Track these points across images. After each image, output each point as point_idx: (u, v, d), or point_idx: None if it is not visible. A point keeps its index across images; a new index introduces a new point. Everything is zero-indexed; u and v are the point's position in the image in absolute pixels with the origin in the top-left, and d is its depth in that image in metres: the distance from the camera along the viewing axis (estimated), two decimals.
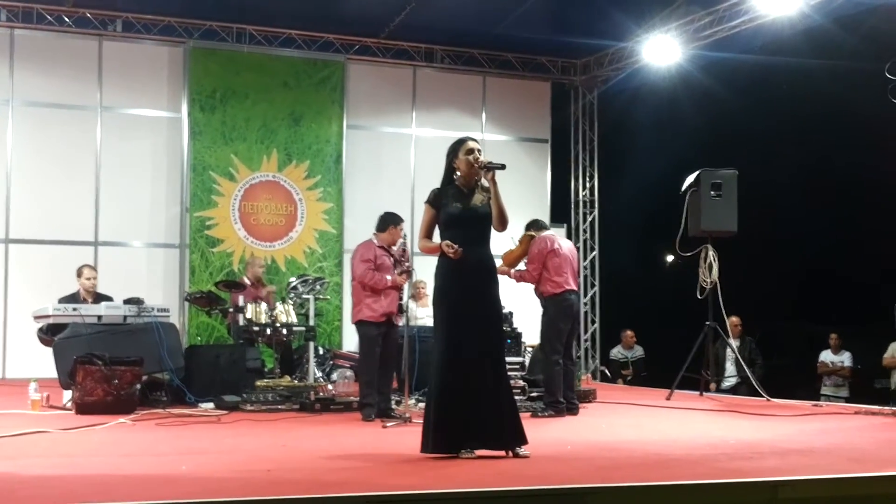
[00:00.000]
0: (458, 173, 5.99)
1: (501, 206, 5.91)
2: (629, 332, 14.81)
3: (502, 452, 5.71)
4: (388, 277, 8.28)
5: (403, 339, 8.42)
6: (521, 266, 8.93)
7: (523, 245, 8.90)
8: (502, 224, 5.96)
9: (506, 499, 4.49)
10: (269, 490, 4.50)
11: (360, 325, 8.38)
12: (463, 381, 5.70)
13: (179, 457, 5.87)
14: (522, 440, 5.75)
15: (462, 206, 5.93)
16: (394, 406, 8.44)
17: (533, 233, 8.90)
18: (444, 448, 5.67)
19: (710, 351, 10.82)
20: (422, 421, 7.09)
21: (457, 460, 5.58)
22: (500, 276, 8.38)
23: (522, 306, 10.70)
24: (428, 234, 6.07)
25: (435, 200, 6.02)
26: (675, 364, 10.66)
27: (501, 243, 8.78)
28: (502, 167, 5.94)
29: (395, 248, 8.46)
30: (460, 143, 6.04)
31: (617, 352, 14.84)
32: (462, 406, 5.67)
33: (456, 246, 5.79)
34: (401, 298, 8.38)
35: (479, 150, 5.99)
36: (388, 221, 8.49)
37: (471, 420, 5.68)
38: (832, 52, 13.26)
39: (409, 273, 8.37)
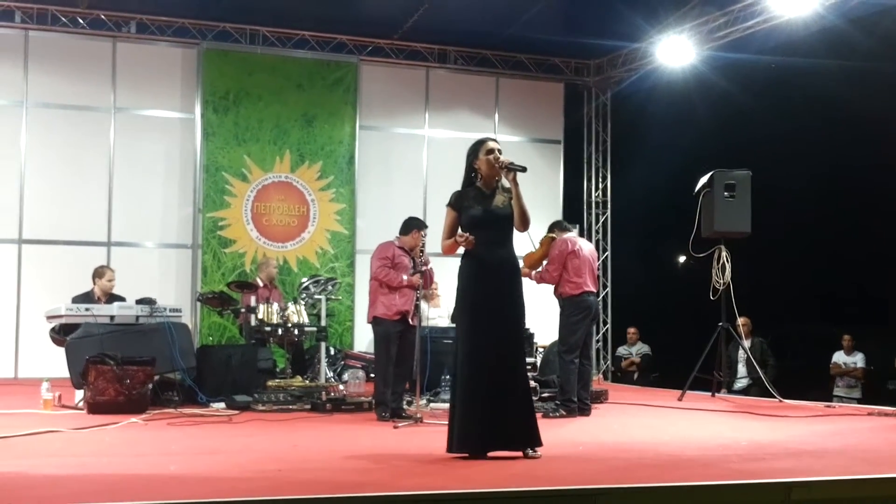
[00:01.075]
0: (479, 173, 5.96)
1: (523, 206, 5.89)
2: (631, 330, 14.84)
3: (516, 453, 5.69)
4: (405, 277, 8.29)
5: (416, 339, 8.41)
6: (542, 268, 8.94)
7: (544, 247, 8.91)
8: (524, 225, 5.94)
9: (517, 500, 4.48)
10: (279, 490, 4.49)
11: (375, 322, 8.40)
12: (486, 383, 5.69)
13: (190, 457, 5.88)
14: (538, 442, 5.74)
15: (483, 209, 5.90)
16: (405, 406, 8.44)
17: (554, 234, 8.91)
18: (468, 449, 5.67)
19: (723, 352, 10.79)
20: (433, 421, 7.12)
21: (467, 461, 5.57)
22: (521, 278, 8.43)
23: (535, 307, 10.66)
24: (450, 237, 6.03)
25: (456, 203, 6.01)
26: (687, 365, 10.63)
27: (524, 245, 8.77)
28: (524, 169, 5.90)
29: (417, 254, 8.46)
30: (480, 143, 6.01)
31: (623, 349, 14.86)
32: (485, 407, 5.66)
33: (466, 234, 5.77)
34: (418, 299, 8.38)
35: (499, 150, 5.95)
36: (412, 225, 8.51)
37: (493, 421, 5.67)
38: (847, 53, 13.20)
39: (423, 274, 8.37)
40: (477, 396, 5.68)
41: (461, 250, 5.96)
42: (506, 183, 5.96)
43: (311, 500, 4.24)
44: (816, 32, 12.11)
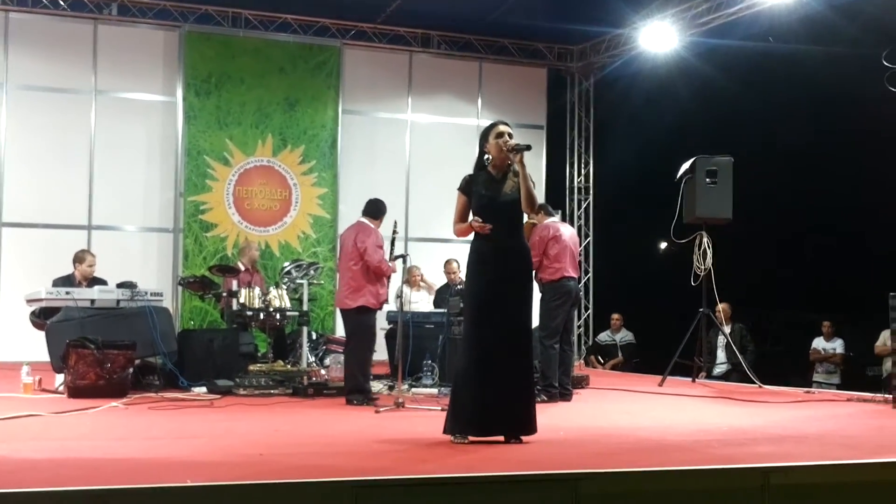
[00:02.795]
0: (490, 157, 5.97)
1: (529, 187, 5.88)
2: (615, 316, 14.82)
3: (496, 437, 5.71)
4: (390, 264, 8.31)
5: (398, 324, 8.41)
6: None
7: (525, 232, 8.89)
8: (530, 206, 5.95)
9: (498, 484, 4.48)
10: (261, 474, 4.49)
11: (361, 310, 8.25)
12: (490, 368, 5.71)
13: (172, 441, 5.88)
14: (533, 429, 5.76)
15: (493, 194, 5.91)
16: (385, 391, 8.48)
17: (535, 220, 8.89)
18: (466, 432, 5.69)
19: (704, 338, 10.83)
20: (415, 406, 7.14)
21: (450, 445, 5.58)
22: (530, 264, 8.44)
23: None
24: (461, 220, 6.05)
25: (466, 187, 6.01)
26: (667, 350, 10.67)
27: None
28: (528, 147, 5.91)
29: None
30: (491, 127, 6.03)
31: (605, 336, 14.84)
32: (487, 393, 5.68)
33: (482, 221, 5.80)
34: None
35: (509, 134, 5.95)
36: (383, 210, 8.49)
37: (494, 407, 5.69)
38: (830, 39, 13.22)
39: (403, 258, 8.41)
40: (480, 382, 5.69)
41: (471, 234, 5.96)
42: (517, 167, 5.96)
43: (293, 484, 4.24)
44: (800, 19, 12.13)
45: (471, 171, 6.08)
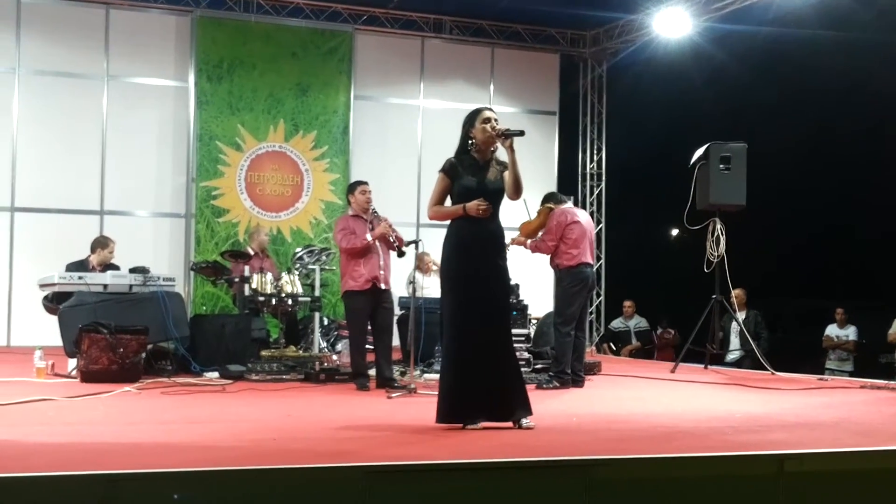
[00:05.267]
0: (475, 142, 5.92)
1: (518, 174, 5.84)
2: (628, 303, 14.79)
3: (508, 424, 5.69)
4: (368, 236, 8.27)
5: (410, 310, 8.41)
6: (538, 237, 8.86)
7: (541, 217, 8.84)
8: (517, 193, 5.90)
9: (510, 470, 4.47)
10: (274, 459, 4.48)
11: (346, 296, 8.41)
12: (472, 352, 5.68)
13: (184, 426, 5.88)
14: (528, 411, 5.74)
15: (477, 181, 5.87)
16: (397, 377, 8.47)
17: (552, 205, 8.84)
18: (454, 418, 5.67)
19: (717, 324, 10.80)
20: (427, 392, 7.15)
21: (462, 431, 5.57)
22: (515, 247, 8.38)
23: (530, 278, 10.66)
24: (440, 202, 6.00)
25: (450, 170, 5.96)
26: (680, 337, 10.65)
27: (519, 214, 8.69)
28: (521, 133, 5.85)
29: (370, 213, 8.46)
30: (477, 112, 5.97)
31: (619, 322, 14.82)
32: (471, 377, 5.66)
33: (487, 203, 5.75)
34: (391, 253, 8.42)
35: (495, 119, 5.91)
36: (347, 192, 8.69)
37: (480, 390, 5.67)
38: (845, 25, 13.14)
39: (415, 244, 8.43)
40: (464, 368, 5.68)
41: (448, 218, 5.94)
42: (500, 155, 5.92)
43: (306, 469, 4.23)
44: (816, 4, 12.05)
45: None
